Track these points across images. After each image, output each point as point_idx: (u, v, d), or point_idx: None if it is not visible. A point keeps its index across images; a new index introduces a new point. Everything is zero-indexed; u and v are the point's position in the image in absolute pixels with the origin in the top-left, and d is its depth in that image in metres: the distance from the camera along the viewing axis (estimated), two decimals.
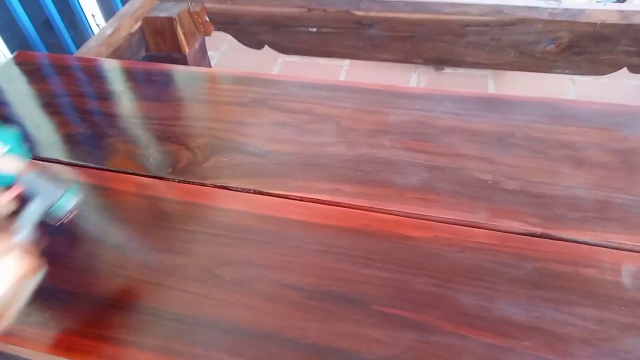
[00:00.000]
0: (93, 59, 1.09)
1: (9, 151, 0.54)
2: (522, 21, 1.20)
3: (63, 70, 1.03)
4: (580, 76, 1.50)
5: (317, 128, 0.82)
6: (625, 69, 1.23)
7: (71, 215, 0.56)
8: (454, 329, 0.55)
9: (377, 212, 0.68)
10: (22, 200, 0.53)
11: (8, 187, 0.53)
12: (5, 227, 0.50)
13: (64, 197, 0.54)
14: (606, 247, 0.62)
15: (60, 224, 0.56)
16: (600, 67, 1.25)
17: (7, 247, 0.49)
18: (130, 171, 0.77)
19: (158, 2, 1.38)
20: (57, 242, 0.68)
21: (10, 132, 0.55)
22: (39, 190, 0.53)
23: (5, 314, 0.50)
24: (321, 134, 0.80)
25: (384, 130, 0.80)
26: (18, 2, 1.46)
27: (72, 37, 1.67)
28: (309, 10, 1.31)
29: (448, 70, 1.92)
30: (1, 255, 0.49)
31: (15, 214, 0.52)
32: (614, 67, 1.24)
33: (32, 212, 0.52)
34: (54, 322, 0.59)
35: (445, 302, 0.57)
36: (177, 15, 1.33)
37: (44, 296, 0.61)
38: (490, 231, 0.64)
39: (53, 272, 0.64)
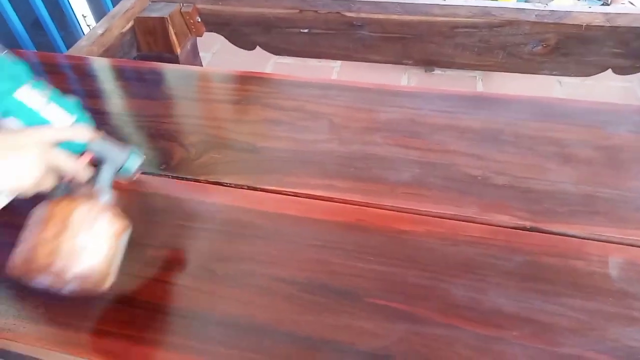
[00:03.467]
0: (83, 57, 1.09)
1: (76, 121, 0.56)
2: (510, 23, 1.22)
3: (53, 69, 1.03)
4: (566, 77, 1.52)
5: (310, 125, 0.83)
6: (610, 71, 1.25)
7: (137, 175, 0.59)
8: (445, 320, 0.56)
9: (370, 207, 0.69)
10: (94, 166, 0.56)
11: (80, 154, 0.55)
12: (90, 193, 0.54)
13: (130, 159, 0.57)
14: (593, 239, 0.63)
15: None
16: (586, 68, 1.27)
17: (97, 210, 0.53)
18: None
19: (150, 2, 1.39)
20: None
21: (72, 102, 0.56)
22: (108, 155, 0.56)
23: (110, 273, 0.55)
24: (314, 131, 0.81)
25: (376, 127, 0.81)
26: (7, 1, 1.45)
27: (62, 38, 1.67)
28: (301, 11, 1.32)
29: (438, 71, 1.94)
30: (95, 219, 0.53)
31: (91, 179, 0.56)
32: (599, 68, 1.26)
33: (107, 176, 0.56)
34: (46, 317, 0.58)
35: (437, 294, 0.58)
36: (169, 16, 1.33)
37: (37, 291, 0.61)
38: (481, 225, 0.65)
39: None
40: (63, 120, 0.54)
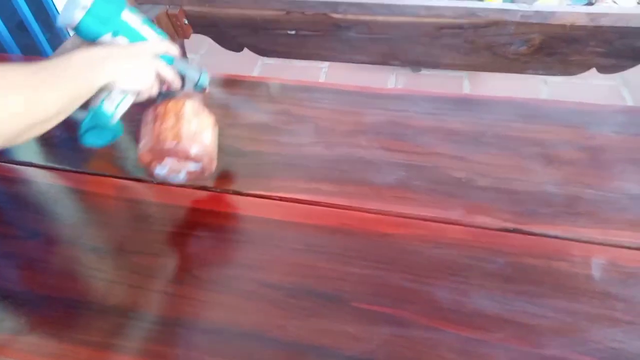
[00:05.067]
0: None
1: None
2: (495, 23, 1.22)
3: None
4: (551, 77, 1.53)
5: (296, 129, 0.82)
6: (594, 70, 1.27)
7: (207, 90, 0.70)
8: (429, 322, 0.56)
9: (355, 210, 0.69)
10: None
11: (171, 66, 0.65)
12: (186, 95, 0.66)
13: (202, 75, 0.69)
14: (576, 240, 0.64)
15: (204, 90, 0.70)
16: (571, 67, 1.28)
17: (198, 105, 0.66)
18: (108, 174, 0.76)
19: (136, 4, 1.37)
20: (34, 245, 0.67)
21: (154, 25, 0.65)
22: (187, 71, 0.67)
23: (215, 155, 0.68)
24: (300, 135, 0.81)
25: (361, 130, 0.81)
26: None
27: (47, 40, 1.65)
28: (288, 13, 1.32)
29: (425, 71, 1.95)
30: (199, 111, 0.66)
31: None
32: (583, 67, 1.27)
33: (189, 86, 0.67)
34: (29, 327, 0.58)
35: (421, 297, 0.58)
36: (155, 18, 1.32)
37: (20, 301, 0.61)
38: (464, 227, 0.66)
39: (30, 276, 0.64)
40: (155, 38, 0.63)
